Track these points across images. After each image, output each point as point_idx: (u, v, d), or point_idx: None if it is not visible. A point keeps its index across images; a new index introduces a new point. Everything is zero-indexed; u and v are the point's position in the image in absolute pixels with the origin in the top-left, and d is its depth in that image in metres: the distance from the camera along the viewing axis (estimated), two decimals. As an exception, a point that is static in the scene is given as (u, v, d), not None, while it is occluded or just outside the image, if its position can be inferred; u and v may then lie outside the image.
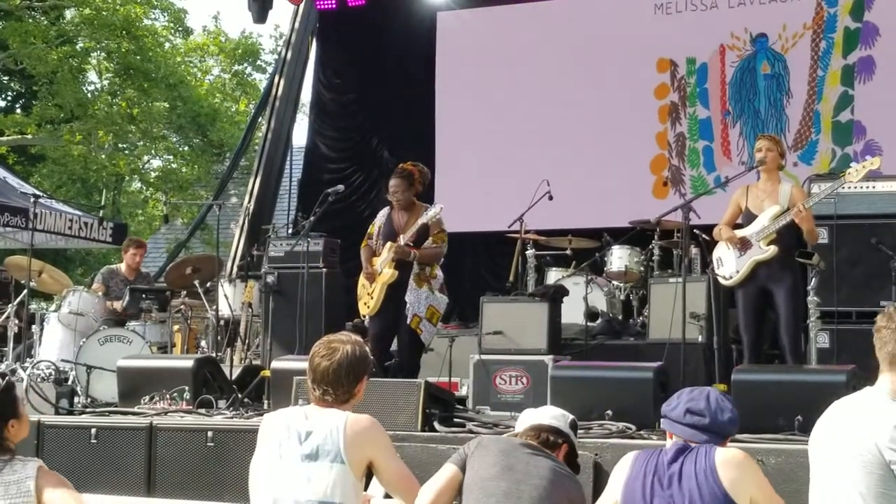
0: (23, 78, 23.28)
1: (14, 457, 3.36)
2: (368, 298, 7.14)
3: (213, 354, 8.24)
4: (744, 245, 6.48)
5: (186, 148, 24.80)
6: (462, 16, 12.31)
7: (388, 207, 7.40)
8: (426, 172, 7.35)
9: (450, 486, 3.60)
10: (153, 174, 25.88)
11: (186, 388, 6.51)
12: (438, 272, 7.25)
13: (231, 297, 9.06)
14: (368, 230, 7.39)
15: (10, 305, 8.83)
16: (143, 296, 8.71)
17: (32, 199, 9.16)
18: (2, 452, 3.36)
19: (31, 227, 9.31)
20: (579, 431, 5.16)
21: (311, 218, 7.61)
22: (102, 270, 9.59)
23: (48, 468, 3.36)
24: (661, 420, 3.56)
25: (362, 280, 7.26)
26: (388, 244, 7.09)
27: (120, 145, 24.24)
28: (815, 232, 6.50)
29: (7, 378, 3.47)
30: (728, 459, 3.26)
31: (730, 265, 6.57)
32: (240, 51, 27.02)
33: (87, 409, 6.95)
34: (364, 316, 7.31)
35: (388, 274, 7.02)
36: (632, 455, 3.47)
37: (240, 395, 6.73)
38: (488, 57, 11.80)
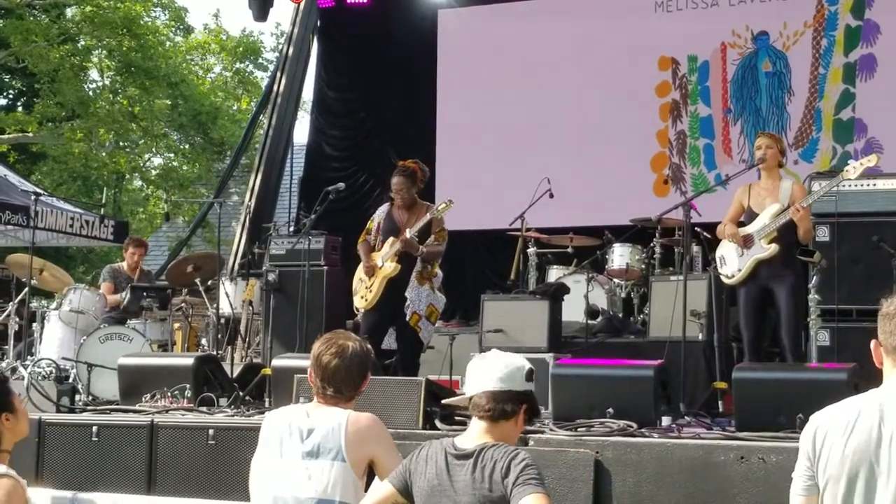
0: (24, 76, 23.24)
1: None
2: (366, 292, 7.13)
3: (214, 352, 8.24)
4: (747, 243, 6.50)
5: (187, 146, 24.79)
6: (463, 13, 12.31)
7: (387, 204, 7.40)
8: (426, 169, 7.38)
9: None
10: (154, 172, 25.87)
11: (187, 385, 6.51)
12: (438, 271, 7.25)
13: (232, 295, 9.05)
14: (367, 226, 7.38)
15: (10, 303, 8.84)
16: (144, 294, 8.72)
17: (33, 197, 9.16)
18: None
19: (33, 224, 9.31)
20: (580, 430, 5.19)
21: (312, 216, 7.61)
22: (106, 269, 9.58)
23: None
24: None
25: (360, 274, 7.25)
26: (391, 239, 7.08)
27: (121, 143, 24.22)
28: (810, 231, 6.50)
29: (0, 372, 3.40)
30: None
31: (732, 264, 6.58)
32: (241, 49, 27.01)
33: (89, 407, 6.95)
34: (358, 309, 7.28)
35: (390, 268, 7.02)
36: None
37: (241, 394, 6.72)
38: (489, 54, 11.78)
